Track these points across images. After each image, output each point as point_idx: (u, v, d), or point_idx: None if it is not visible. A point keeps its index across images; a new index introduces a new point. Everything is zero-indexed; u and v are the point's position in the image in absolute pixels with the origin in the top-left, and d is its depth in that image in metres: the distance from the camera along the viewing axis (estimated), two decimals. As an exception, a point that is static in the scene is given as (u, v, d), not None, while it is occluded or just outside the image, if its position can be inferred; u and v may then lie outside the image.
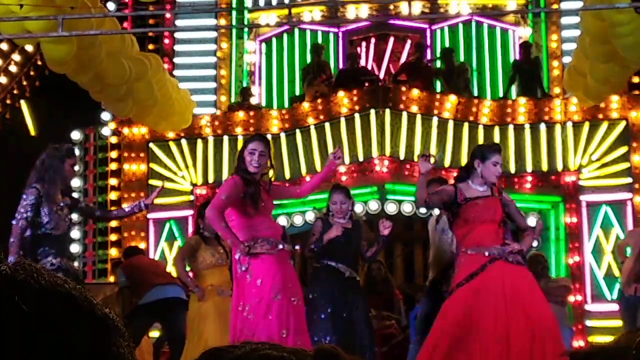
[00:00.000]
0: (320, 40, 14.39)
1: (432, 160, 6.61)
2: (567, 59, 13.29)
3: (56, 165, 6.64)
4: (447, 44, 14.22)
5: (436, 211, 10.08)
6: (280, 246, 6.49)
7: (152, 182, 13.09)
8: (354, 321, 7.69)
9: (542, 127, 12.58)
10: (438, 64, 14.07)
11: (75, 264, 13.35)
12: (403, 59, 14.29)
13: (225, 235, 6.56)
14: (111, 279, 12.50)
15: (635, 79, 13.32)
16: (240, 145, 12.31)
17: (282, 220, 11.76)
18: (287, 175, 12.53)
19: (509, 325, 6.16)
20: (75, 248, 13.68)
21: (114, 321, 1.10)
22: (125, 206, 7.51)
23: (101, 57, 9.30)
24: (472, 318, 6.24)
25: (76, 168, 13.37)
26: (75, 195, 13.50)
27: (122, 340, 1.10)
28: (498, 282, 6.26)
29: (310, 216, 11.71)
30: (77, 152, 13.90)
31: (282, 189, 8.01)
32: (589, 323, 12.08)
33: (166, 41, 14.33)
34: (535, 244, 12.08)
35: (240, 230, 6.47)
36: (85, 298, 1.08)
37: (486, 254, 6.31)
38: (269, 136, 12.53)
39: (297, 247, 10.29)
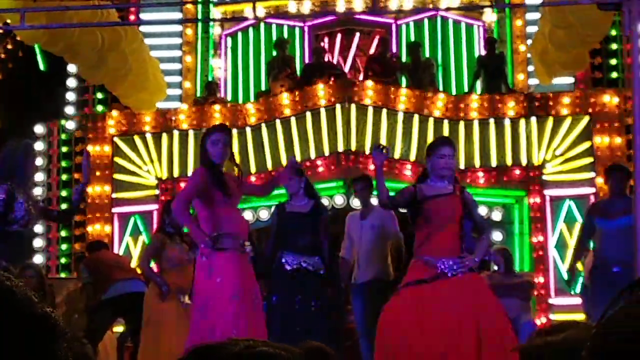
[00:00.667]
0: (286, 35, 14.37)
1: (384, 151, 6.62)
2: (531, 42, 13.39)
3: (21, 161, 6.59)
4: (412, 39, 14.26)
5: (357, 204, 10.09)
6: (245, 247, 6.46)
7: (116, 176, 13.02)
8: (303, 315, 7.55)
9: (507, 121, 12.63)
10: (403, 58, 14.12)
11: (39, 258, 13.30)
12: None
13: (190, 227, 6.49)
14: (75, 273, 12.42)
15: (598, 74, 13.44)
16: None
17: (248, 215, 11.73)
18: (253, 169, 12.51)
19: (452, 340, 6.11)
20: (38, 242, 13.58)
21: (55, 321, 1.06)
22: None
23: (72, 29, 9.24)
24: (414, 324, 6.20)
25: (38, 162, 13.24)
26: (39, 190, 13.45)
27: (61, 342, 1.06)
28: (444, 295, 6.21)
29: (276, 210, 11.68)
30: (41, 145, 13.86)
31: (251, 185, 7.96)
32: (552, 317, 12.17)
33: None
34: (500, 237, 12.19)
35: (206, 223, 6.41)
36: (25, 296, 1.05)
37: (439, 267, 6.28)
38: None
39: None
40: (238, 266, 6.33)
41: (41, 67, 14.42)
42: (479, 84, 13.63)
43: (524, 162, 12.57)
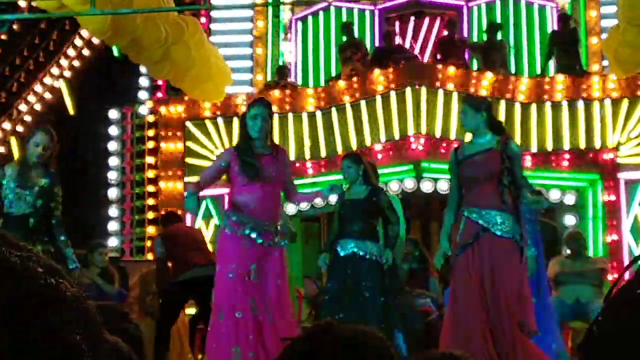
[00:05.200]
0: (356, 18, 14.31)
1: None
2: (605, 36, 13.11)
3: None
4: (484, 21, 14.08)
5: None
6: (266, 232, 6.31)
7: (188, 160, 13.17)
8: (353, 300, 7.43)
9: (580, 104, 12.45)
10: (475, 39, 13.97)
11: (114, 241, 13.52)
12: (433, 36, 14.17)
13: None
14: (149, 256, 12.61)
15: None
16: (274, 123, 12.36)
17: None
18: (323, 154, 12.54)
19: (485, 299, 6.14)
20: (113, 226, 13.83)
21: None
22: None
23: (137, 23, 9.30)
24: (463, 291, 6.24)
25: (112, 147, 13.40)
26: (113, 174, 13.67)
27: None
28: (483, 257, 6.21)
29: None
30: (115, 130, 14.07)
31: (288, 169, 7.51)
32: (626, 302, 11.97)
33: (202, 20, 14.34)
34: (573, 221, 12.01)
35: (229, 202, 6.51)
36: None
37: (479, 222, 6.22)
38: (304, 115, 12.60)
39: None
40: (237, 249, 6.30)
41: (115, 53, 14.63)
42: (551, 64, 13.39)
43: (597, 145, 12.37)
